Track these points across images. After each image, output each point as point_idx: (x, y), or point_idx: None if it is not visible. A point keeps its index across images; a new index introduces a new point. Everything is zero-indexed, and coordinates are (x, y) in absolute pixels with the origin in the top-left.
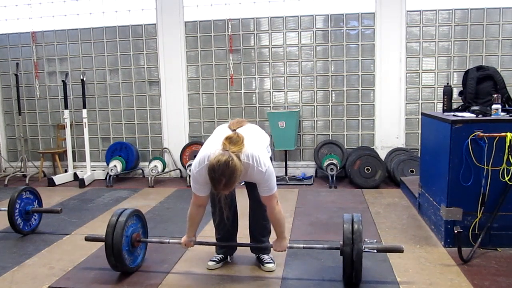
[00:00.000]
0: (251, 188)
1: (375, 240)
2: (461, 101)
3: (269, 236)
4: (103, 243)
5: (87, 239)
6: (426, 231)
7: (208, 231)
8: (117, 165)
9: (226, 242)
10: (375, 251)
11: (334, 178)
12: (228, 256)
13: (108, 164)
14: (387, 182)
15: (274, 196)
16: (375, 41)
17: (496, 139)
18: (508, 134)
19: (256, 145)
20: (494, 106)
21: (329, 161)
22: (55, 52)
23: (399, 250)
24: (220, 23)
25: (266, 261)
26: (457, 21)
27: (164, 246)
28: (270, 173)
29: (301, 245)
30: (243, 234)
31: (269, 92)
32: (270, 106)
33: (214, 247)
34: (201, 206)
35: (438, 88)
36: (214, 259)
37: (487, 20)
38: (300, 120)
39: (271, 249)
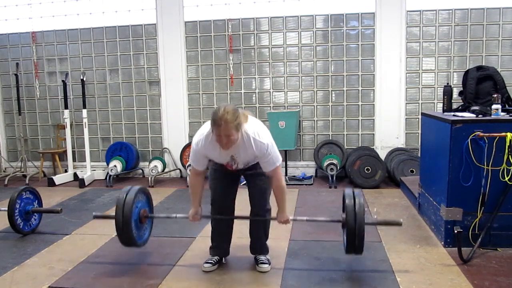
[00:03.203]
0: (252, 189)
1: (376, 216)
2: (461, 101)
3: (267, 238)
4: (103, 243)
5: (96, 216)
6: (426, 231)
7: (209, 231)
8: (117, 165)
9: (221, 246)
10: (375, 216)
11: (334, 178)
12: (223, 258)
13: (108, 164)
14: (387, 182)
15: (279, 168)
16: (375, 41)
17: (496, 139)
18: (508, 134)
19: (259, 126)
20: (494, 106)
21: (329, 161)
22: (55, 52)
23: (397, 224)
24: (220, 23)
25: (261, 261)
26: (457, 21)
27: (164, 246)
28: (272, 145)
29: (305, 218)
30: (243, 233)
31: (269, 92)
32: (270, 106)
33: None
34: (199, 175)
35: (438, 88)
36: (210, 261)
37: (487, 20)
38: (300, 120)
39: (277, 221)
